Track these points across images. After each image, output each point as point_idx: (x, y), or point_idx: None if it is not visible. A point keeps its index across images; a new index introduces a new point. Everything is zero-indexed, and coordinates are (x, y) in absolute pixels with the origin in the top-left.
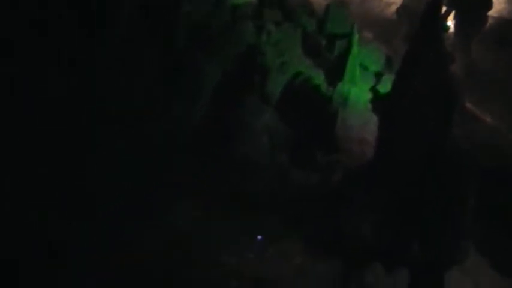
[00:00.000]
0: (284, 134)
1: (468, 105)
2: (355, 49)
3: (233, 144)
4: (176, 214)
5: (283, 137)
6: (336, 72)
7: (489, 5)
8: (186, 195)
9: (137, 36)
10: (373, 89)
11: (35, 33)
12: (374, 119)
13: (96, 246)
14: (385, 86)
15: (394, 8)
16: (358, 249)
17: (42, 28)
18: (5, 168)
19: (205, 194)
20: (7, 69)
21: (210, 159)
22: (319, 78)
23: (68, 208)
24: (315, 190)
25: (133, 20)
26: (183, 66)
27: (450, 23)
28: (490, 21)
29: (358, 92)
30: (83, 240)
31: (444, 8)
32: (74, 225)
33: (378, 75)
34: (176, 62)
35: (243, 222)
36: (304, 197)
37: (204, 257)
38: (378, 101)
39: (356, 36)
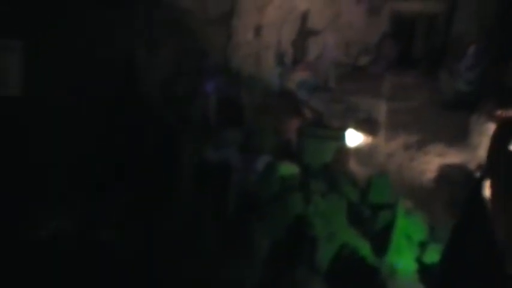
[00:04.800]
0: None
1: None
2: (400, 221)
3: None
4: None
5: None
6: (381, 243)
7: None
8: None
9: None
10: (418, 260)
11: None
12: None
13: None
14: (431, 256)
15: (428, 175)
16: None
17: None
18: None
19: None
20: None
21: None
22: (366, 248)
23: None
24: None
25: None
26: (236, 234)
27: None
28: None
29: (405, 262)
30: None
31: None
32: None
33: (423, 245)
34: (228, 230)
35: None
36: None
37: None
38: (425, 272)
39: (401, 208)
